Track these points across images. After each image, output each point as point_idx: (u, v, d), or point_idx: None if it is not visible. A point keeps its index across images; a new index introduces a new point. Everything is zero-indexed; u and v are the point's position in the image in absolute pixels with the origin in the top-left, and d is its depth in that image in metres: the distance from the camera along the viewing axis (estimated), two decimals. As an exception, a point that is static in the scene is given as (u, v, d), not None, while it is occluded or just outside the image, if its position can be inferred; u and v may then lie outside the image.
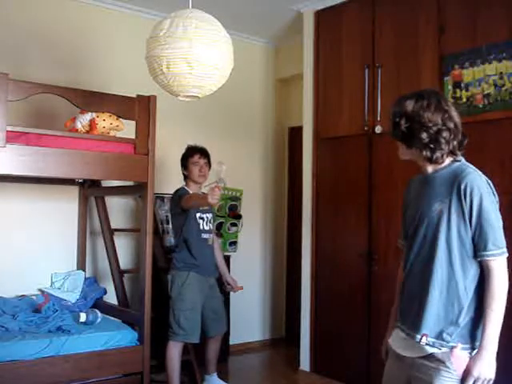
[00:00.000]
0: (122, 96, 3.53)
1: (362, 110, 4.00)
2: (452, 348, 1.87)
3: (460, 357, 1.86)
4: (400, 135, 1.97)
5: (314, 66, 4.43)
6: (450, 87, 3.47)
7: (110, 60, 4.50)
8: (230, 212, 5.21)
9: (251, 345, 5.26)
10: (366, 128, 3.98)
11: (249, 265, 5.29)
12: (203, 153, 3.84)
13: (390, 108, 2.05)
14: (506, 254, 1.88)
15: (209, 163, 3.86)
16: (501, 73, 3.23)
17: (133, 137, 3.54)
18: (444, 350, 1.87)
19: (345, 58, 4.20)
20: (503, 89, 3.22)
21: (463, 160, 1.98)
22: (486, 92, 3.30)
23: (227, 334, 4.53)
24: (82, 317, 3.63)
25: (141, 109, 3.51)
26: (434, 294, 1.90)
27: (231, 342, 4.81)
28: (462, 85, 3.41)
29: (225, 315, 3.96)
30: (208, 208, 3.76)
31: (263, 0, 4.42)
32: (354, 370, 4.04)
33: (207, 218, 3.80)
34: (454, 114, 1.94)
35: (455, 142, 1.93)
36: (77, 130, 3.62)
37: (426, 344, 1.90)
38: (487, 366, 1.82)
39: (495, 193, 1.93)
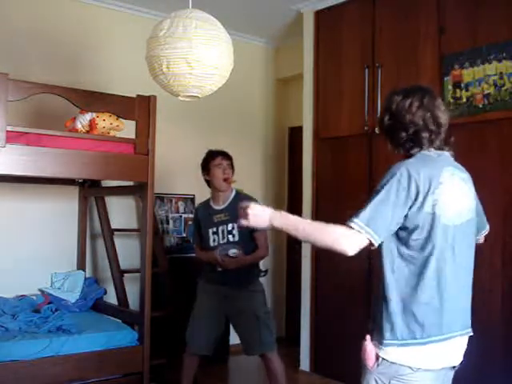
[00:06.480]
0: (122, 96, 3.53)
1: (362, 110, 4.00)
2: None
3: (365, 348, 1.93)
4: (383, 129, 2.04)
5: (314, 66, 4.43)
6: (450, 87, 3.46)
7: (110, 60, 4.50)
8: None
9: (251, 345, 5.24)
10: (365, 128, 3.98)
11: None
12: (226, 155, 3.52)
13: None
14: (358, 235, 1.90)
15: (232, 166, 3.51)
16: (501, 73, 3.23)
17: (133, 137, 3.54)
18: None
19: (345, 57, 4.20)
20: (503, 89, 3.22)
21: (421, 153, 1.92)
22: (486, 92, 3.30)
23: (227, 334, 4.52)
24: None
25: (141, 109, 3.51)
26: None
27: (231, 342, 4.80)
28: (462, 85, 3.41)
29: (256, 335, 3.36)
30: (226, 218, 3.42)
31: (263, 0, 4.43)
32: (354, 370, 4.01)
33: (223, 230, 3.43)
34: (440, 114, 1.92)
35: (438, 142, 1.93)
36: (77, 130, 3.62)
37: None
38: (262, 214, 1.91)
39: (409, 181, 1.81)
